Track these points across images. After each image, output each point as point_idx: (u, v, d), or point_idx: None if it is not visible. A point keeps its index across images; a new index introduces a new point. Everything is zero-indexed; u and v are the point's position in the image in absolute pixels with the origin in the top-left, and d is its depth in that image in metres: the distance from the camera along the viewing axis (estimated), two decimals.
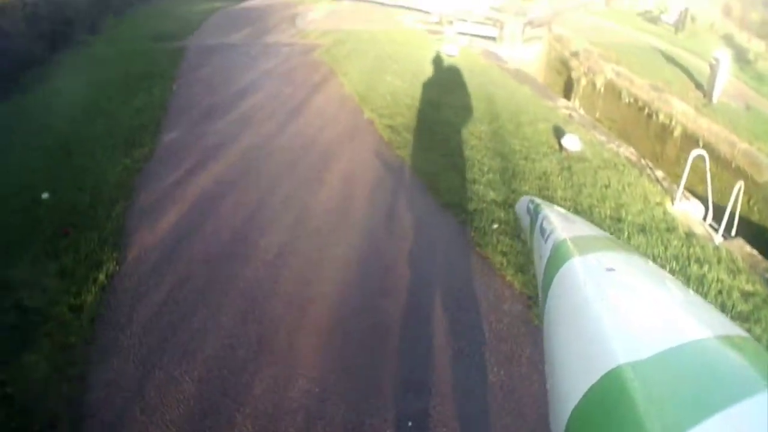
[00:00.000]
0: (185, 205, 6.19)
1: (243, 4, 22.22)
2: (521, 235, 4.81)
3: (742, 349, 1.01)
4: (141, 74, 11.06)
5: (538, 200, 1.95)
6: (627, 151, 8.48)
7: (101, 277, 4.85)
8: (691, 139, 12.06)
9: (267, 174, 6.92)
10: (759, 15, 29.85)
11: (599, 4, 23.18)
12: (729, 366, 0.98)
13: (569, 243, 1.48)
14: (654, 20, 24.60)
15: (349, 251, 5.34)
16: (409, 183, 6.78)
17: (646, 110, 13.41)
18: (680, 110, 12.71)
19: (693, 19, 23.68)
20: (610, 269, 1.31)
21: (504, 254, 5.22)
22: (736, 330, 1.07)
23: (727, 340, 1.03)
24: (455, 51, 13.15)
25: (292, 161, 7.25)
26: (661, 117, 12.93)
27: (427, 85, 10.37)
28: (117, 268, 5.03)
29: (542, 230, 1.70)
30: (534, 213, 1.88)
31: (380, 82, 10.56)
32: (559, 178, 6.97)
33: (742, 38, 23.90)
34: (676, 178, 7.88)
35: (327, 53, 12.78)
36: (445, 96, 9.86)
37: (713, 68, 13.10)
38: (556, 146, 8.04)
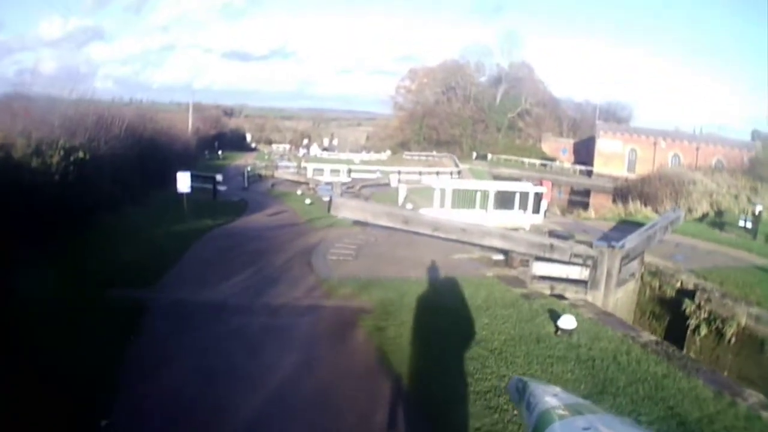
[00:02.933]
0: None
1: (240, 223, 17.82)
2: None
3: None
4: (52, 375, 5.82)
5: (525, 379, 2.21)
6: None
7: None
8: None
9: None
10: None
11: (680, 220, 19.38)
12: None
13: (551, 412, 1.81)
14: (720, 226, 22.56)
15: None
16: None
17: None
18: None
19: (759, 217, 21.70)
20: (586, 429, 1.63)
21: None
22: None
23: None
24: (572, 323, 8.43)
25: None
26: None
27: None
28: None
29: (528, 404, 2.00)
30: (522, 391, 2.14)
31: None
32: None
33: None
34: None
35: (379, 333, 7.72)
36: None
37: None
38: None
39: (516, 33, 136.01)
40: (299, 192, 31.08)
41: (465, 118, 76.23)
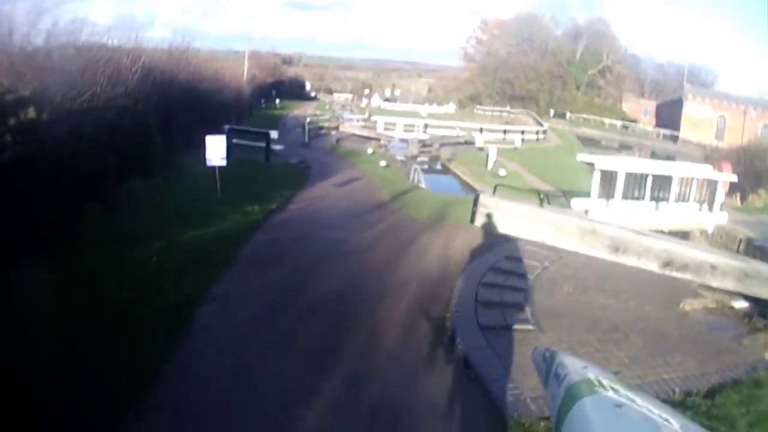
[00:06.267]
0: None
1: (300, 207, 12.58)
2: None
3: None
4: None
5: (553, 349, 2.13)
6: None
7: None
8: None
9: None
10: None
11: None
12: None
13: (581, 385, 1.67)
14: None
15: None
16: None
17: None
18: None
19: None
20: (618, 405, 1.48)
21: None
22: None
23: None
24: None
25: None
26: None
27: None
28: None
29: (557, 375, 1.88)
30: (549, 360, 2.05)
31: None
32: None
33: None
34: None
35: None
36: None
37: None
38: None
39: None
40: (370, 150, 26.11)
41: (542, 72, 68.75)
